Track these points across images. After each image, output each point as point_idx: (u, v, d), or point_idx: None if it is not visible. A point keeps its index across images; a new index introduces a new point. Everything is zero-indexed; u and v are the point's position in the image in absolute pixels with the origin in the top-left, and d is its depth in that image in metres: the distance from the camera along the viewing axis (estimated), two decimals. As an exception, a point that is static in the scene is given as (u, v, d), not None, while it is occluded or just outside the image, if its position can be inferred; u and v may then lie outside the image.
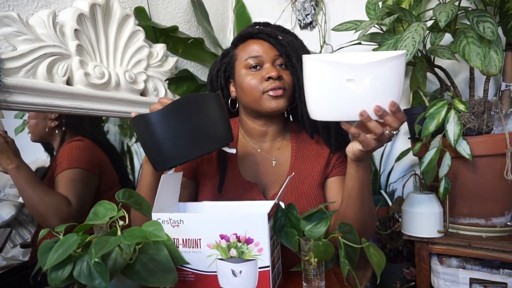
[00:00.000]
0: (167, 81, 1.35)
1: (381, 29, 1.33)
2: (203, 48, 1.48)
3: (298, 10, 1.69)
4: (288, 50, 0.96)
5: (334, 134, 0.99)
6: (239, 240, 0.69)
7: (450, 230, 1.12)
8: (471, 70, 1.15)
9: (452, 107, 1.05)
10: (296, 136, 1.04)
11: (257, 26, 1.06)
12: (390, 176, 1.56)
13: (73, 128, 1.38)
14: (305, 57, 0.74)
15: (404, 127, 1.54)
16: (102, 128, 1.58)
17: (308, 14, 1.67)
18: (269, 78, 0.93)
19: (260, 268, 0.69)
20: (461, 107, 1.03)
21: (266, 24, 1.06)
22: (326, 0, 1.68)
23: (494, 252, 1.01)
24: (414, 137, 1.22)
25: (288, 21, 1.73)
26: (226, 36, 1.85)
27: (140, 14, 1.29)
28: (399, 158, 1.51)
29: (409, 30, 1.02)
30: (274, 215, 0.76)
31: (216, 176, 1.00)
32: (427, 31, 1.18)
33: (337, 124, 0.96)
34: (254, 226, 0.68)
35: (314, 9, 1.67)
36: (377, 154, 1.57)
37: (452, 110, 1.04)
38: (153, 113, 0.74)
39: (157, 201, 0.72)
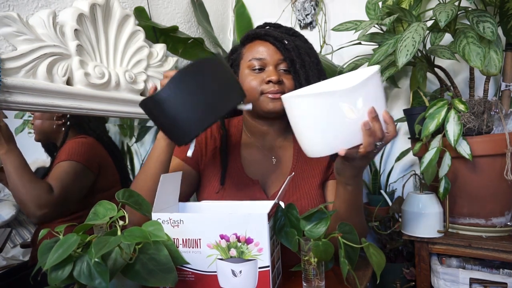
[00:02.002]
0: None
1: (381, 29, 1.33)
2: (203, 48, 1.48)
3: (298, 10, 1.69)
4: (293, 55, 0.96)
5: None
6: (239, 240, 0.69)
7: (450, 230, 1.12)
8: (471, 70, 1.15)
9: (452, 107, 1.05)
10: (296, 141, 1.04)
11: (267, 27, 1.06)
12: (390, 176, 1.56)
13: (78, 127, 1.39)
14: (286, 97, 0.72)
15: (404, 127, 1.54)
16: (105, 127, 1.58)
17: (308, 14, 1.67)
18: (269, 81, 0.94)
19: (260, 268, 0.69)
20: (461, 107, 1.03)
21: (277, 26, 1.06)
22: (326, 0, 1.67)
23: (494, 252, 1.01)
24: (414, 137, 1.22)
25: (288, 21, 1.73)
26: (226, 36, 1.85)
27: (140, 14, 1.29)
28: (399, 158, 1.51)
29: (409, 30, 1.02)
30: (274, 215, 0.76)
31: (219, 169, 1.00)
32: (427, 31, 1.18)
33: None
34: (254, 226, 0.68)
35: (314, 9, 1.67)
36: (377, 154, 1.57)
37: (452, 110, 1.04)
38: (160, 90, 0.72)
39: (157, 201, 0.72)
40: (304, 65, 0.98)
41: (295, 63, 0.96)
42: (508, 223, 1.09)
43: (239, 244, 0.69)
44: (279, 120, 1.01)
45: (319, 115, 0.69)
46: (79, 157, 1.28)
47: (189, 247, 0.71)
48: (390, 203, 1.45)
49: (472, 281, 1.02)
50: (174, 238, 0.71)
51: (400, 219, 1.27)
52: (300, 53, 0.98)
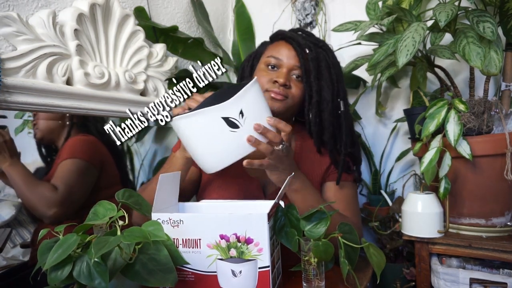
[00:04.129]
0: (167, 81, 1.35)
1: (381, 29, 1.33)
2: (203, 48, 1.48)
3: (298, 10, 1.69)
4: (309, 65, 0.97)
5: (343, 140, 1.01)
6: (239, 240, 0.69)
7: (450, 230, 1.12)
8: (471, 70, 1.15)
9: (452, 107, 1.05)
10: (301, 139, 1.05)
11: (300, 32, 1.06)
12: (390, 176, 1.56)
13: (80, 126, 1.40)
14: (173, 120, 0.76)
15: (404, 127, 1.54)
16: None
17: (308, 14, 1.67)
18: (276, 82, 0.95)
19: (260, 268, 0.69)
20: (461, 107, 1.03)
21: (309, 34, 1.07)
22: (326, 0, 1.67)
23: (494, 252, 1.01)
24: (414, 137, 1.22)
25: (288, 21, 1.73)
26: (226, 36, 1.85)
27: (140, 14, 1.29)
28: (399, 158, 1.51)
29: (409, 30, 1.02)
30: (274, 215, 0.76)
31: None
32: (427, 31, 1.17)
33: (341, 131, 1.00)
34: (254, 226, 0.68)
35: (314, 9, 1.67)
36: (377, 154, 1.57)
37: (452, 110, 1.04)
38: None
39: (156, 201, 0.72)
40: (320, 78, 0.98)
41: (309, 74, 0.97)
42: (508, 223, 1.09)
43: (239, 244, 0.69)
44: (283, 118, 1.02)
45: (204, 133, 0.74)
46: (81, 154, 1.28)
47: (189, 247, 0.71)
48: (390, 203, 1.45)
49: (472, 281, 1.02)
50: (174, 238, 0.71)
51: (400, 219, 1.27)
52: (319, 65, 0.98)
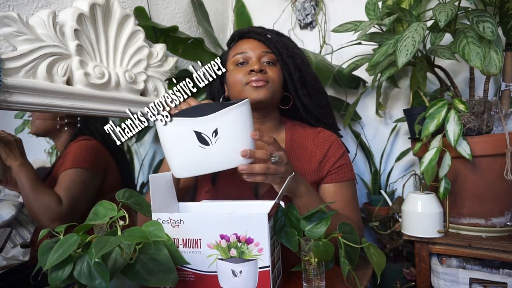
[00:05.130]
0: (167, 81, 1.35)
1: (381, 29, 1.33)
2: (203, 48, 1.48)
3: (298, 10, 1.69)
4: (278, 47, 0.99)
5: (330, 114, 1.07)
6: (239, 240, 0.69)
7: (450, 230, 1.12)
8: (471, 70, 1.15)
9: (452, 107, 1.05)
10: (291, 134, 1.04)
11: (253, 27, 1.08)
12: (390, 176, 1.56)
13: (83, 127, 1.39)
14: (156, 121, 0.79)
15: (404, 127, 1.54)
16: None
17: (308, 14, 1.67)
18: (252, 71, 0.95)
19: (260, 268, 0.69)
20: (461, 107, 1.03)
21: (260, 27, 1.10)
22: (326, 0, 1.67)
23: (494, 252, 1.01)
24: (414, 137, 1.22)
25: (288, 21, 1.73)
26: (226, 36, 1.84)
27: (140, 14, 1.29)
28: (399, 158, 1.51)
29: (409, 30, 1.02)
30: (274, 215, 0.76)
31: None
32: (427, 31, 1.17)
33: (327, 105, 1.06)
34: (254, 226, 0.68)
35: (314, 9, 1.67)
36: (377, 154, 1.57)
37: (452, 110, 1.04)
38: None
39: (153, 201, 0.72)
40: (293, 56, 1.01)
41: (282, 53, 0.99)
42: (508, 223, 1.09)
43: (239, 244, 0.69)
44: (272, 115, 1.03)
45: (175, 140, 0.77)
46: (84, 163, 1.28)
47: (190, 247, 0.71)
48: (390, 203, 1.45)
49: (472, 281, 1.02)
50: (174, 238, 0.71)
51: (400, 219, 1.27)
52: (287, 47, 1.01)
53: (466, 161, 1.03)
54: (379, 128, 1.60)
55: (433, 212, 1.09)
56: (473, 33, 1.00)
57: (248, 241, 0.69)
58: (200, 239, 0.70)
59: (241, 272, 0.70)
